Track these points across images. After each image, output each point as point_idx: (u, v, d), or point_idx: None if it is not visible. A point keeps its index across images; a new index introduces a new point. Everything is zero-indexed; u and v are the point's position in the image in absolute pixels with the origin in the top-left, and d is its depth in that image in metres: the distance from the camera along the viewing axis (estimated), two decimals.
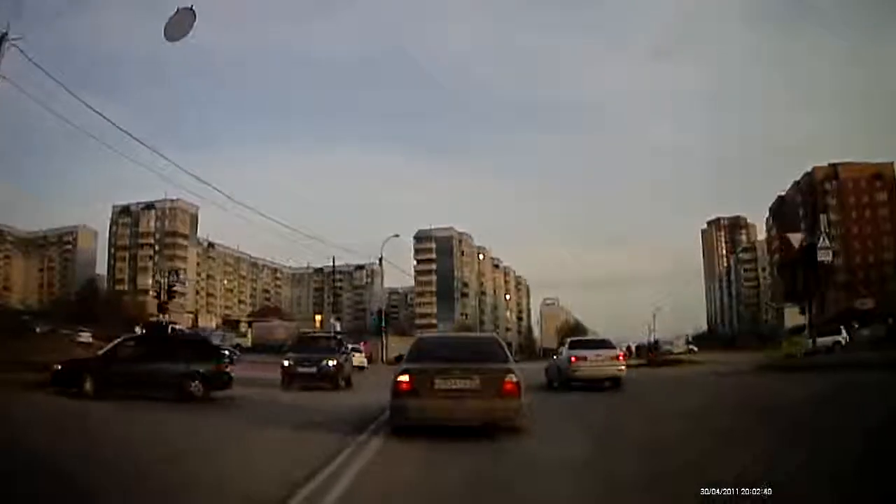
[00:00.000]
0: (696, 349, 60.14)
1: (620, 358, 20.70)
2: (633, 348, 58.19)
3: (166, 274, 42.97)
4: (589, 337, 29.10)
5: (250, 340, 55.03)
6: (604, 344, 21.69)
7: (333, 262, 51.65)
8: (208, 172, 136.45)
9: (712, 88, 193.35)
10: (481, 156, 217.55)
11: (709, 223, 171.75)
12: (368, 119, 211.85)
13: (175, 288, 42.89)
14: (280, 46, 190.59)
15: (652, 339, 65.54)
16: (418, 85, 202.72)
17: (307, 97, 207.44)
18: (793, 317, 61.33)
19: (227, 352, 40.32)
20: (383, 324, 48.93)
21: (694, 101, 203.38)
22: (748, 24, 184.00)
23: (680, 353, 52.37)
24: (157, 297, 51.04)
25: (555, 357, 23.00)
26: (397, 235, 50.24)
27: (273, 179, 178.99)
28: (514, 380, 9.34)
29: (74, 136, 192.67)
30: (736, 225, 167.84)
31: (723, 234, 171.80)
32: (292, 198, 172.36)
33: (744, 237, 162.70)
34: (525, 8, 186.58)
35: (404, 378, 9.36)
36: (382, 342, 49.24)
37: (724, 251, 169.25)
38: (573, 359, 19.91)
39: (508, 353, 10.65)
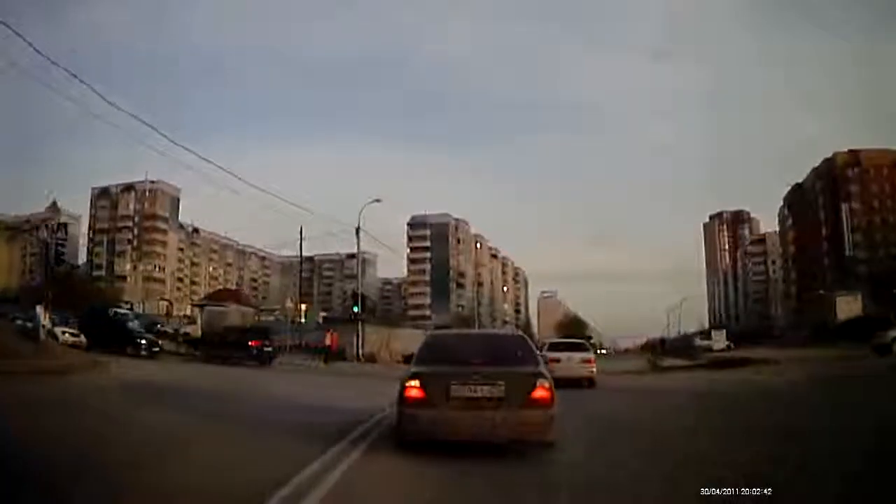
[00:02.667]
0: (732, 346, 49.30)
1: (591, 361, 21.54)
2: (659, 343, 47.46)
3: (48, 237, 31.36)
4: (566, 340, 27.87)
5: (199, 329, 43.92)
6: (579, 347, 22.90)
7: (301, 232, 41.12)
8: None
9: (712, 87, 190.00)
10: (482, 153, 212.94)
11: (711, 217, 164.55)
12: (369, 117, 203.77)
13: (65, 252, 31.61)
14: (282, 44, 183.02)
15: (672, 334, 54.67)
16: (420, 83, 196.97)
17: (308, 96, 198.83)
18: (847, 306, 51.21)
19: (143, 341, 29.74)
20: (359, 310, 38.02)
21: (693, 100, 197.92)
22: (747, 23, 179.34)
23: (720, 351, 42.14)
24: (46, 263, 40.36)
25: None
26: (378, 200, 39.24)
27: (271, 178, 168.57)
28: (547, 386, 7.37)
29: (62, 116, 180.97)
30: (738, 219, 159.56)
31: (725, 227, 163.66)
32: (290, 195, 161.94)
33: (747, 231, 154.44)
34: (525, 7, 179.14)
35: (413, 383, 7.36)
36: (357, 334, 38.42)
37: (727, 245, 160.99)
38: (549, 360, 19.20)
39: (537, 354, 8.37)
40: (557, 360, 20.39)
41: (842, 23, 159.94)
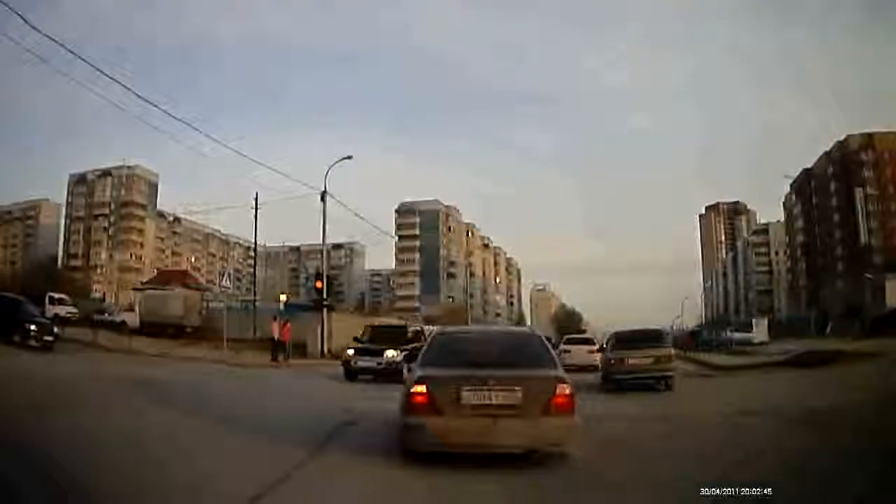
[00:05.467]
0: (767, 339, 41.08)
1: (595, 352, 24.82)
2: (689, 336, 39.71)
3: None
4: (578, 335, 33.10)
5: (138, 316, 35.52)
6: (586, 341, 28.64)
7: (256, 198, 32.78)
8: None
9: (707, 78, 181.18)
10: (475, 145, 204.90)
11: (707, 208, 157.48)
12: (363, 109, 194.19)
13: None
14: (275, 33, 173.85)
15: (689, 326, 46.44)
16: (415, 75, 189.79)
17: (300, 86, 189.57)
18: None
19: (33, 328, 21.76)
20: (324, 296, 29.66)
21: (689, 91, 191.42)
22: (745, 13, 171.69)
23: (761, 344, 34.38)
24: None
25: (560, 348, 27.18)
26: (350, 157, 30.72)
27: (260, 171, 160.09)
28: (569, 392, 6.48)
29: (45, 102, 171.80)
30: (735, 210, 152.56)
31: (722, 219, 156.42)
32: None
33: (744, 223, 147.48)
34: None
35: (420, 389, 6.49)
36: (322, 323, 30.02)
37: (724, 237, 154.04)
38: (563, 351, 25.29)
39: (555, 354, 7.48)
40: (569, 351, 25.67)
41: (836, 10, 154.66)
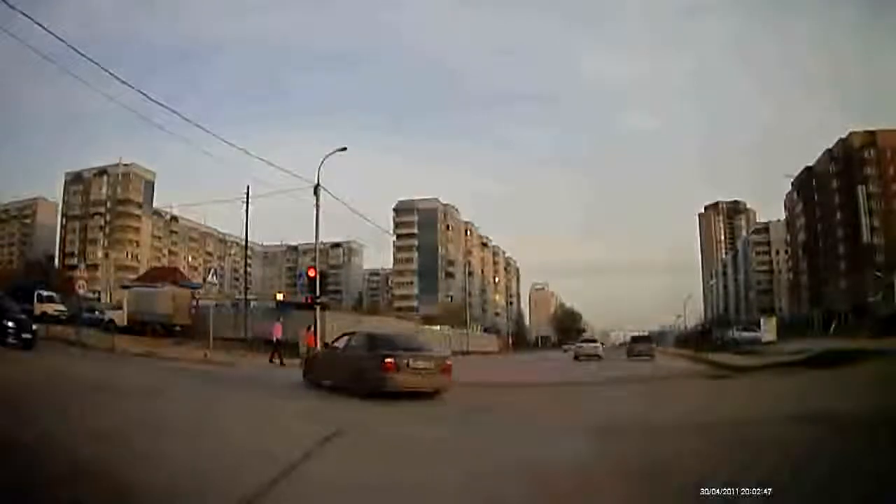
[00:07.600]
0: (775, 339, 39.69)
1: (600, 347, 38.98)
2: (700, 335, 38.83)
3: None
4: (588, 337, 48.04)
5: (125, 314, 34.13)
6: (594, 340, 41.91)
7: (248, 191, 31.30)
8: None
9: (705, 76, 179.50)
10: (474, 145, 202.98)
11: (706, 208, 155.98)
12: (360, 109, 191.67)
13: None
14: (276, 35, 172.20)
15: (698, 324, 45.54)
16: (413, 75, 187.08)
17: (298, 86, 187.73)
18: None
19: (11, 325, 20.15)
20: (317, 293, 28.23)
21: (690, 90, 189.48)
22: (745, 11, 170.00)
23: (770, 343, 33.09)
24: None
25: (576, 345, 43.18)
26: (344, 149, 29.04)
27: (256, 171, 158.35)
28: (450, 363, 13.30)
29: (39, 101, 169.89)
30: (735, 210, 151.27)
31: (722, 218, 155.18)
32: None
33: (743, 222, 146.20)
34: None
35: (389, 360, 12.19)
36: (315, 322, 28.54)
37: (724, 236, 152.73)
38: (579, 346, 40.46)
39: (437, 345, 17.38)
40: (582, 347, 38.71)
41: (837, 7, 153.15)
